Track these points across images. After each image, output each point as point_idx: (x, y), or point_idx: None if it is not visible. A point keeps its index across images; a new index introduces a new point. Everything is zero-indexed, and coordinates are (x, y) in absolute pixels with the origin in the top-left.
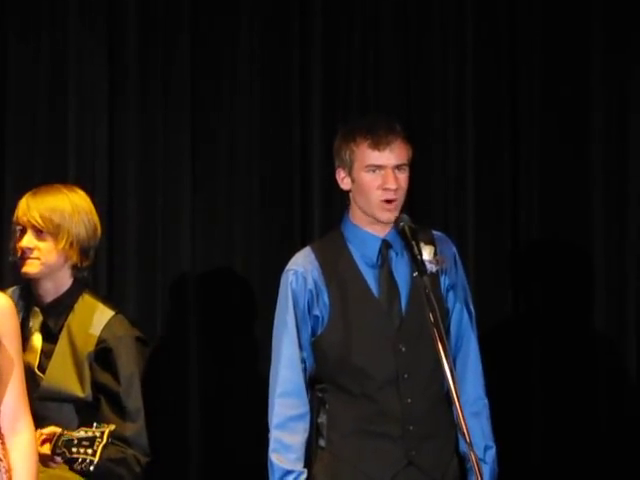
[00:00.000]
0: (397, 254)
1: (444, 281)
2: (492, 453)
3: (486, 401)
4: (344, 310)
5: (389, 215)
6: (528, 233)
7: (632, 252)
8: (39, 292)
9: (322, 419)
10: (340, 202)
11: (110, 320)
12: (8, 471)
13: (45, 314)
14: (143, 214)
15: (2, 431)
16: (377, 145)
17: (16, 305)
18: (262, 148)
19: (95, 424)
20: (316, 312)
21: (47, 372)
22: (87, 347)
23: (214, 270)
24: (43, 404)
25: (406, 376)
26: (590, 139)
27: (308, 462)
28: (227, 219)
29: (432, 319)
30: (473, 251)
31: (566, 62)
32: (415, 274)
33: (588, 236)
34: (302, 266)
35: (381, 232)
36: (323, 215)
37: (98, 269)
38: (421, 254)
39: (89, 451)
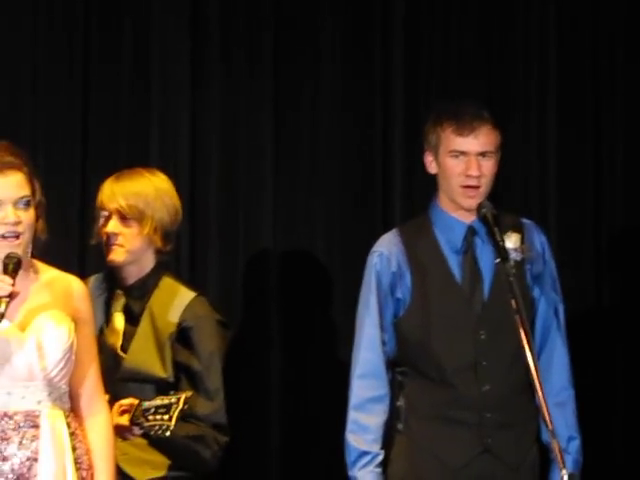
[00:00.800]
0: (483, 241)
1: (530, 270)
2: (576, 444)
3: (571, 392)
4: (425, 294)
5: (470, 202)
6: (611, 222)
7: None
8: (122, 275)
9: (401, 402)
10: (421, 186)
11: (191, 301)
12: (87, 452)
13: (128, 296)
14: (224, 197)
15: (80, 412)
16: (461, 130)
17: (98, 288)
18: (343, 131)
19: (172, 392)
20: (398, 294)
21: (129, 353)
22: (169, 328)
23: (295, 252)
24: (125, 385)
25: (485, 363)
26: None
27: (386, 444)
28: (308, 202)
29: (515, 305)
30: (555, 242)
31: None
32: (497, 260)
33: None
34: (387, 248)
35: (467, 218)
36: (404, 197)
37: (181, 252)
38: (503, 241)
39: (165, 417)
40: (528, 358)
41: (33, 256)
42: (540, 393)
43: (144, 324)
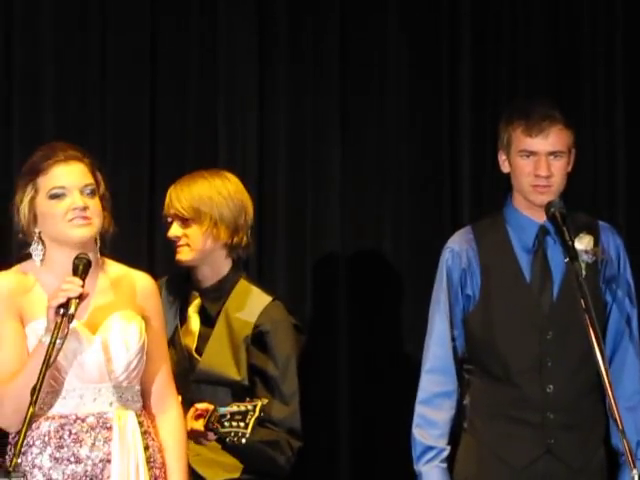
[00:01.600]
0: (555, 241)
1: (603, 272)
2: None
3: None
4: (494, 292)
5: (542, 198)
6: None
7: None
8: (198, 277)
9: (466, 401)
10: (489, 187)
11: (268, 305)
12: (160, 450)
13: (203, 298)
14: (292, 197)
15: (151, 410)
16: (530, 131)
17: (170, 288)
18: (410, 131)
19: (247, 399)
20: (468, 291)
21: (204, 355)
22: (244, 331)
23: (363, 252)
24: (199, 387)
25: (550, 364)
26: None
27: (453, 442)
28: (376, 202)
29: (584, 305)
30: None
31: None
32: (566, 260)
33: None
34: (458, 244)
35: (540, 217)
36: (472, 197)
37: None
38: (572, 240)
39: (241, 424)
40: (598, 358)
41: (102, 254)
42: (610, 393)
43: (220, 326)
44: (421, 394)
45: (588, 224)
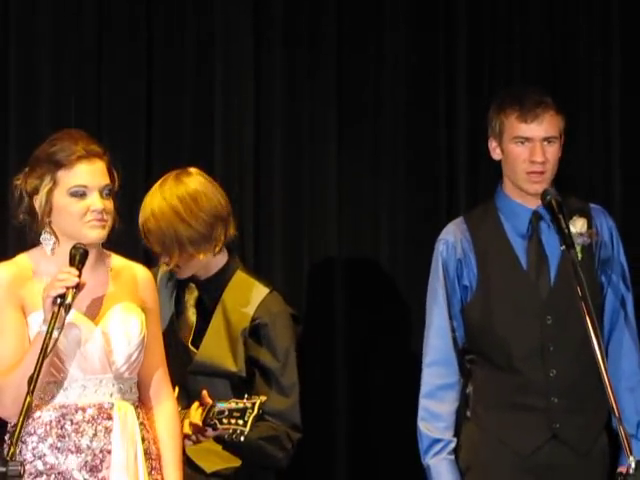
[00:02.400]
0: (549, 226)
1: (597, 255)
2: None
3: None
4: (491, 280)
5: (536, 187)
6: None
7: None
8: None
9: (469, 390)
10: (485, 175)
11: (265, 297)
12: (155, 442)
13: (200, 290)
14: (289, 199)
15: (146, 401)
16: (525, 117)
17: (166, 278)
18: (408, 126)
19: (246, 395)
20: (465, 281)
21: (201, 347)
22: (242, 323)
23: (360, 251)
24: (195, 378)
25: (552, 348)
26: None
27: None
28: (373, 199)
29: (580, 292)
30: (620, 226)
31: None
32: (562, 248)
33: None
34: (453, 235)
35: (532, 204)
36: (468, 190)
37: (245, 253)
38: (568, 227)
39: (240, 422)
40: (594, 346)
41: (103, 246)
42: (606, 379)
43: (217, 318)
44: (424, 387)
45: (580, 207)
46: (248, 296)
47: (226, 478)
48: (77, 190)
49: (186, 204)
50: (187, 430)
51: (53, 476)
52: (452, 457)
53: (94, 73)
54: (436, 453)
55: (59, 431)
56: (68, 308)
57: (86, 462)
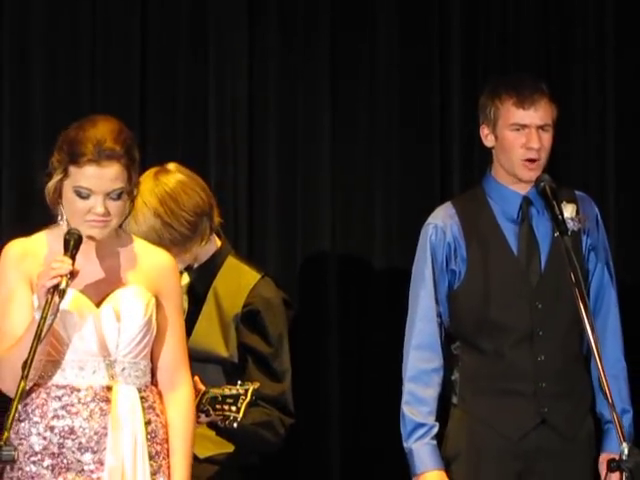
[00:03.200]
0: (539, 212)
1: (586, 241)
2: (629, 417)
3: (624, 364)
4: (481, 265)
5: (531, 174)
6: None
7: None
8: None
9: (455, 376)
10: (479, 163)
11: (257, 282)
12: (164, 427)
13: (192, 276)
14: (283, 186)
15: (160, 387)
16: (522, 103)
17: None
18: (402, 111)
19: (239, 382)
20: (454, 266)
21: (193, 333)
22: (234, 309)
23: (354, 241)
24: None
25: (541, 333)
26: None
27: (441, 419)
28: (367, 186)
29: (573, 278)
30: (614, 212)
31: None
32: (556, 234)
33: None
34: (442, 220)
35: (522, 189)
36: (462, 177)
37: (239, 242)
38: (562, 214)
39: (233, 408)
40: (588, 332)
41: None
42: (599, 364)
43: (209, 305)
44: (409, 372)
45: (568, 193)
46: (240, 282)
47: (219, 463)
48: (81, 191)
49: (167, 205)
50: None
51: (47, 456)
52: (435, 442)
53: (88, 59)
54: (419, 437)
55: (55, 412)
56: (62, 294)
57: (80, 443)
